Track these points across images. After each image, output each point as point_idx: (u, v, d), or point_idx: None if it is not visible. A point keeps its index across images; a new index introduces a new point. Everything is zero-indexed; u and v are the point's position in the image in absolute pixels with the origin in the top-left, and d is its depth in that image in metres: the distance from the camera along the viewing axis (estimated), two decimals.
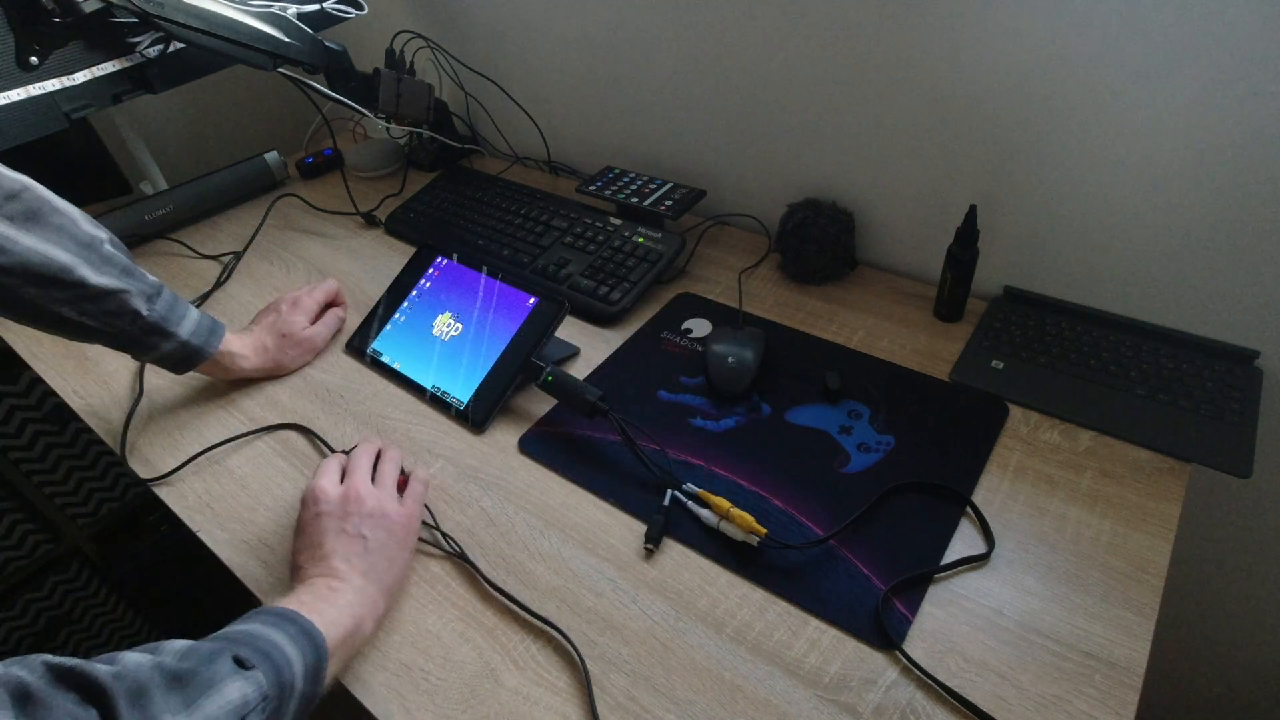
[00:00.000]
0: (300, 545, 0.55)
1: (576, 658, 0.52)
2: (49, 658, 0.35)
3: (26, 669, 0.34)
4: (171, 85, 0.96)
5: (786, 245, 0.85)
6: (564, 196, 1.01)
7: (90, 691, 0.35)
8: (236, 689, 0.40)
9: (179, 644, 0.41)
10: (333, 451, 0.69)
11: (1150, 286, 0.72)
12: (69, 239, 0.60)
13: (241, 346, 0.74)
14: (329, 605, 0.50)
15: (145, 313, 0.64)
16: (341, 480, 0.58)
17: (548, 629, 0.54)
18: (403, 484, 0.61)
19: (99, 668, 0.36)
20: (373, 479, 0.59)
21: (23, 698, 0.33)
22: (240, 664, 0.41)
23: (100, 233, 0.63)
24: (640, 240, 0.88)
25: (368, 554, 0.54)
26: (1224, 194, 0.64)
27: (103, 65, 0.88)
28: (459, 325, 0.77)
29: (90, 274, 0.61)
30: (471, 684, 0.51)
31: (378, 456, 0.62)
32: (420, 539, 0.61)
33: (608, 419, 0.66)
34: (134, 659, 0.38)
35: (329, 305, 0.83)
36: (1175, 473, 0.61)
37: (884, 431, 0.67)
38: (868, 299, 0.83)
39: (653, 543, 0.59)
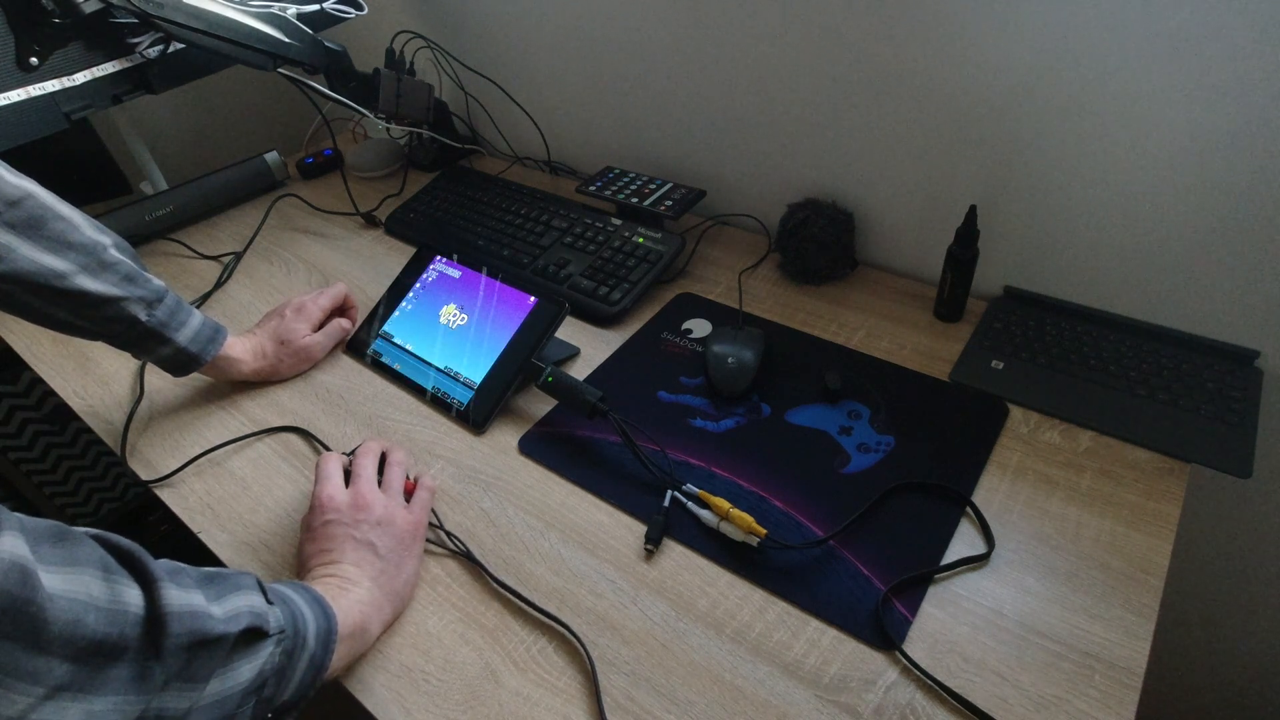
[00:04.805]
0: (310, 551, 0.55)
1: (583, 653, 0.52)
2: (89, 530, 0.37)
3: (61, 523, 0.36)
4: (171, 85, 0.96)
5: (786, 245, 0.85)
6: (564, 196, 1.01)
7: (121, 552, 0.36)
8: (259, 600, 0.42)
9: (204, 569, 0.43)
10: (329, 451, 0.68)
11: (1150, 286, 0.72)
12: (69, 246, 0.60)
13: (240, 351, 0.74)
14: (340, 596, 0.51)
15: (144, 319, 0.65)
16: (346, 483, 0.58)
17: (555, 625, 0.54)
18: (409, 488, 0.61)
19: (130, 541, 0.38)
20: (379, 482, 0.60)
21: (56, 531, 0.34)
22: (262, 592, 0.43)
23: (104, 238, 0.63)
24: (640, 240, 0.88)
25: (378, 560, 0.54)
26: (1224, 194, 0.64)
27: (103, 65, 0.88)
28: (459, 325, 0.77)
29: (88, 281, 0.61)
30: (472, 685, 0.51)
31: (383, 459, 0.62)
32: (425, 539, 0.61)
33: (608, 419, 0.66)
34: (165, 559, 0.40)
35: (338, 310, 0.83)
36: (1175, 473, 0.61)
37: (884, 431, 0.67)
38: (868, 299, 0.83)
39: (653, 543, 0.59)
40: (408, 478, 0.62)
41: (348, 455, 0.62)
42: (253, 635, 0.41)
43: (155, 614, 0.35)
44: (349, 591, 0.52)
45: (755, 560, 0.57)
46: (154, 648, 0.35)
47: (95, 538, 0.36)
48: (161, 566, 0.38)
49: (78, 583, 0.33)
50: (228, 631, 0.39)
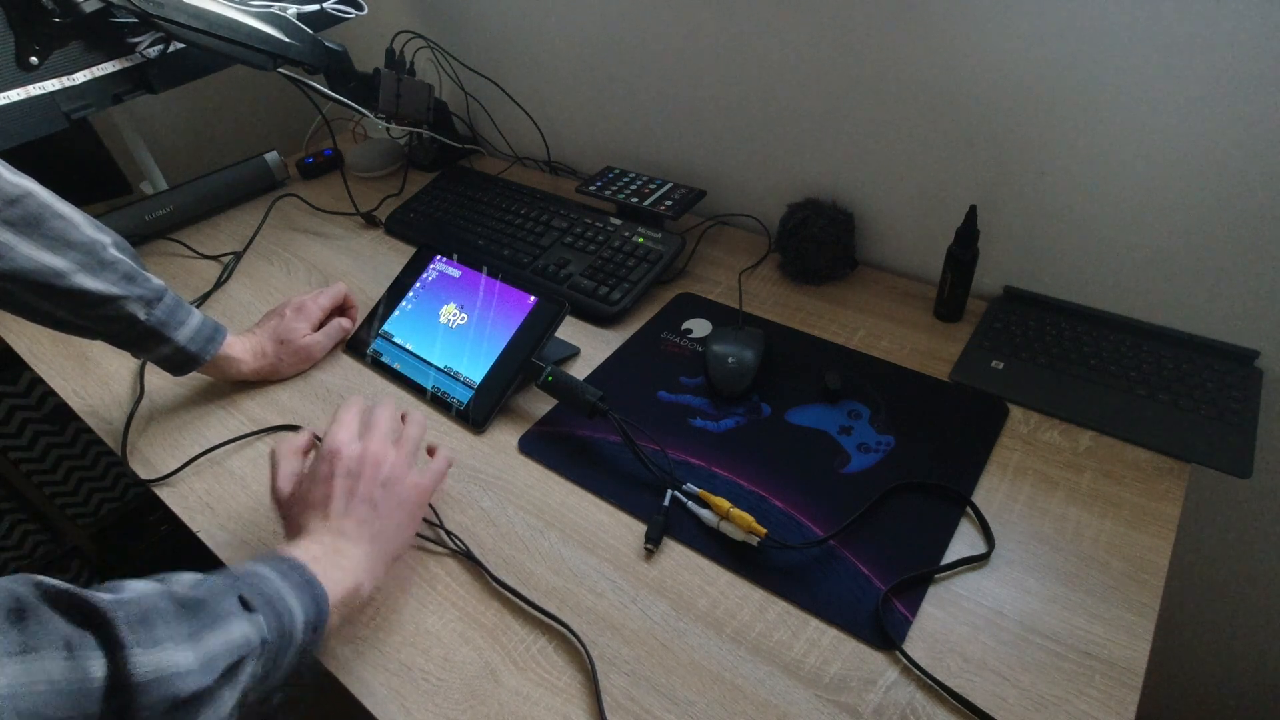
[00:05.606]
0: (311, 498, 0.53)
1: (583, 652, 0.52)
2: (41, 579, 0.35)
3: (20, 585, 0.33)
4: (171, 85, 0.96)
5: (786, 245, 0.85)
6: (564, 196, 1.01)
7: (86, 614, 0.34)
8: (239, 629, 0.40)
9: (189, 575, 0.41)
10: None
11: (1150, 286, 0.72)
12: (68, 245, 0.60)
13: (240, 350, 0.75)
14: (333, 566, 0.49)
15: (143, 318, 0.65)
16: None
17: (554, 624, 0.54)
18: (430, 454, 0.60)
19: (96, 594, 0.35)
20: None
21: (18, 614, 0.32)
22: (245, 605, 0.41)
23: (103, 237, 0.63)
24: (640, 240, 0.88)
25: (377, 519, 0.53)
26: (1224, 194, 0.64)
27: (103, 65, 0.88)
28: (459, 325, 0.78)
29: (87, 280, 0.61)
30: (472, 684, 0.51)
31: (403, 419, 0.60)
32: (424, 537, 0.61)
33: (608, 419, 0.66)
34: (141, 586, 0.38)
35: (338, 309, 0.83)
36: (1175, 473, 0.61)
37: (884, 431, 0.67)
38: (868, 299, 0.83)
39: (653, 543, 0.59)
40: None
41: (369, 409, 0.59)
42: (234, 667, 0.39)
43: (122, 684, 0.33)
44: (344, 555, 0.51)
45: (755, 560, 0.57)
46: (123, 718, 0.33)
47: (55, 600, 0.34)
48: (125, 614, 0.35)
49: (37, 670, 0.31)
50: (203, 686, 0.37)
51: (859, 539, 0.58)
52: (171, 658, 0.36)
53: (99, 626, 0.34)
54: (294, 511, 0.54)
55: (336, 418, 0.57)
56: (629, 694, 0.50)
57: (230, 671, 0.39)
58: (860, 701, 0.49)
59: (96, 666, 0.33)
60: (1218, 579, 0.86)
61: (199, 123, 1.37)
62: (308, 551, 0.49)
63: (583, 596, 0.56)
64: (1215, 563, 0.85)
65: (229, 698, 0.39)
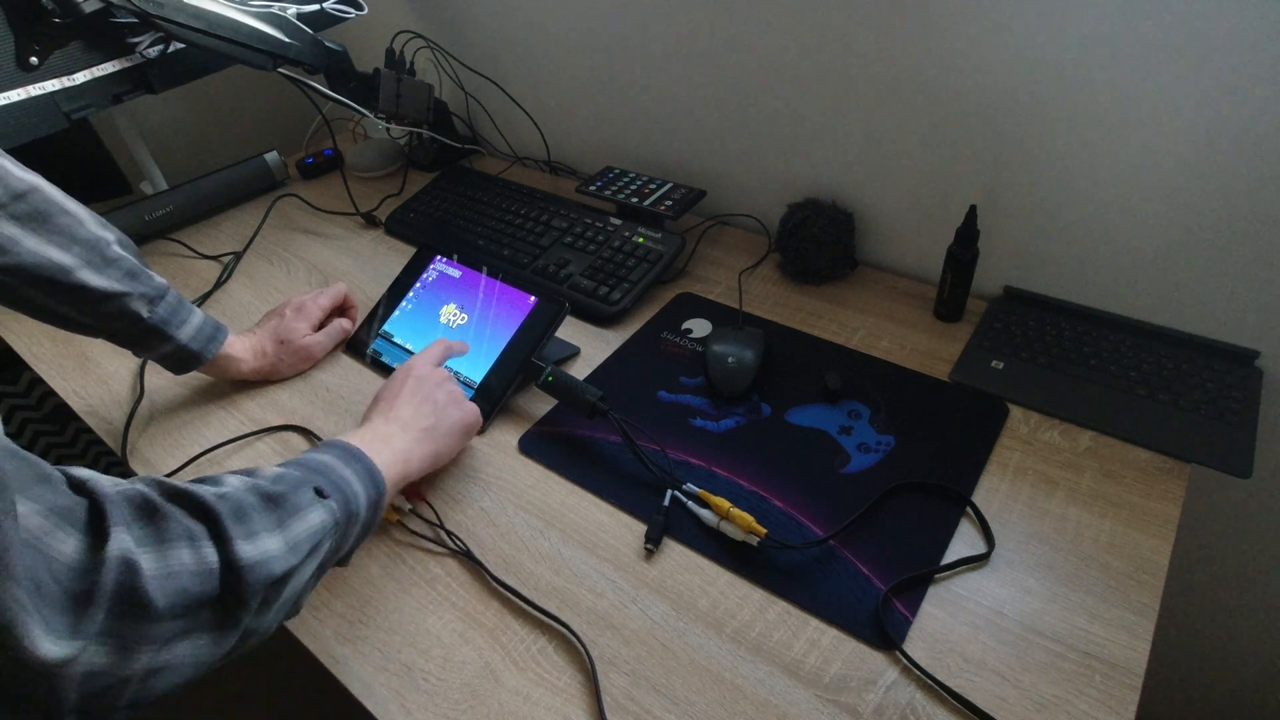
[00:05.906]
0: (384, 395, 0.62)
1: (582, 652, 0.52)
2: (161, 479, 0.41)
3: (146, 486, 0.40)
4: (171, 85, 0.96)
5: (786, 245, 0.85)
6: (564, 196, 1.01)
7: (198, 509, 0.40)
8: (317, 516, 0.46)
9: (270, 470, 0.47)
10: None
11: (1150, 286, 0.72)
12: (73, 240, 0.61)
13: (240, 350, 0.75)
14: (387, 448, 0.56)
15: (146, 315, 0.65)
16: None
17: (554, 624, 0.54)
18: None
19: (205, 489, 0.42)
20: None
21: (148, 509, 0.38)
22: (319, 493, 0.48)
23: (108, 234, 0.63)
24: (640, 240, 0.88)
25: (434, 416, 0.61)
26: (1224, 194, 0.64)
27: (103, 65, 0.88)
28: (459, 325, 0.78)
29: (91, 276, 0.61)
30: (472, 684, 0.51)
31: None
32: (423, 537, 0.61)
33: (608, 419, 0.66)
34: (234, 481, 0.45)
35: (338, 309, 0.83)
36: (1175, 473, 0.61)
37: (884, 431, 0.67)
38: (868, 299, 0.83)
39: (653, 543, 0.59)
40: None
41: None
42: (315, 546, 0.46)
43: (232, 567, 0.40)
44: (397, 439, 0.58)
45: (755, 560, 0.57)
46: (236, 595, 0.40)
47: (173, 496, 0.40)
48: (228, 507, 0.41)
49: (173, 559, 0.38)
50: (292, 565, 0.43)
51: (859, 539, 0.58)
52: (266, 545, 0.42)
53: (210, 520, 0.40)
54: (369, 410, 0.62)
55: (425, 348, 0.68)
56: (629, 694, 0.50)
57: (312, 550, 0.46)
58: (860, 701, 0.49)
59: (211, 554, 0.40)
60: (1218, 579, 0.86)
61: (199, 123, 1.37)
62: (364, 439, 0.56)
63: (583, 596, 0.56)
64: (1215, 563, 0.85)
65: (310, 566, 0.46)
